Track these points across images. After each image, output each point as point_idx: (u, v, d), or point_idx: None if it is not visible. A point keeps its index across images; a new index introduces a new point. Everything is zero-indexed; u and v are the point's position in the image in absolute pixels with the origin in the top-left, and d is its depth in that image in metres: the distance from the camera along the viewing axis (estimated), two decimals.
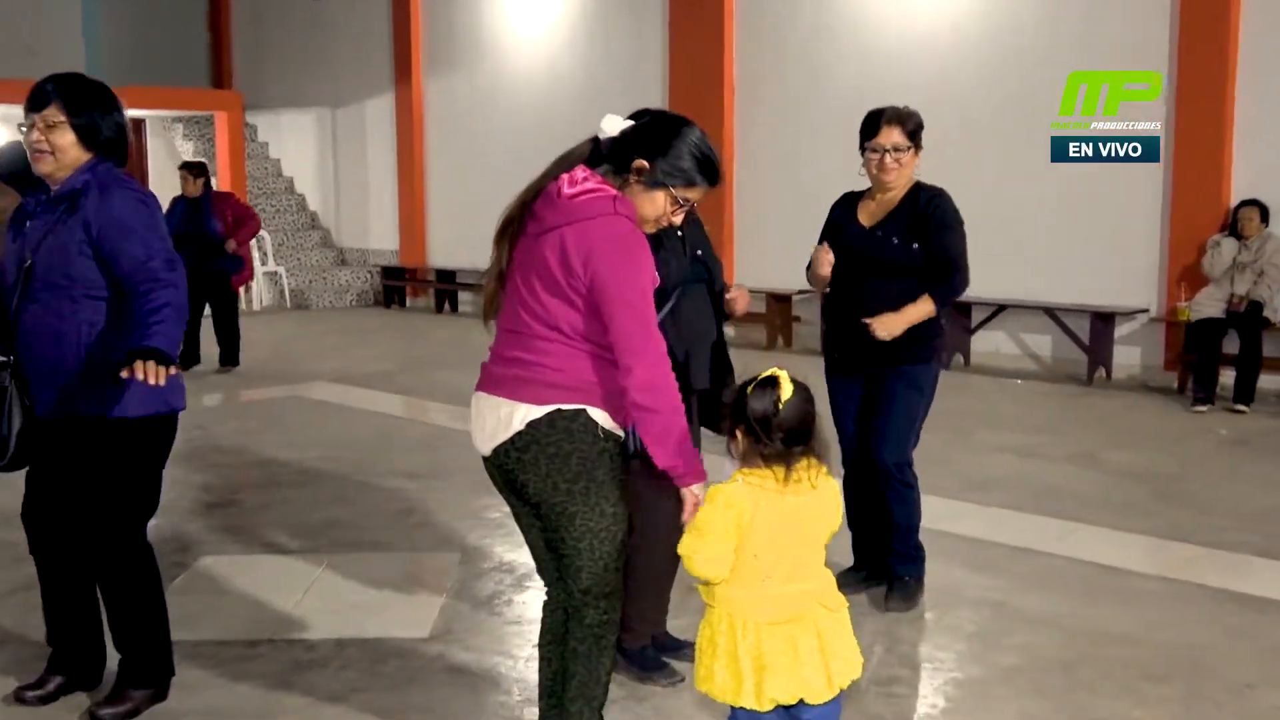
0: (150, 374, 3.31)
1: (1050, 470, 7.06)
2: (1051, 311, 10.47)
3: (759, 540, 2.77)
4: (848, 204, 4.96)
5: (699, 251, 4.25)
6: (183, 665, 4.13)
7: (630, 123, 3.12)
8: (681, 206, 3.11)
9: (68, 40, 20.22)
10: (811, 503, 2.82)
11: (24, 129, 3.67)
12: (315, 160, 17.85)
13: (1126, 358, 10.36)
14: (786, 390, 2.77)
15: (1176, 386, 9.59)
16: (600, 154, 3.12)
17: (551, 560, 3.24)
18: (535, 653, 4.15)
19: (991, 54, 10.81)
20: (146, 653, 3.88)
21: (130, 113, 16.20)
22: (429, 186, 16.25)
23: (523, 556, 5.32)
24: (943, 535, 5.68)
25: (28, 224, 3.71)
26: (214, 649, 4.33)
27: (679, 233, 4.00)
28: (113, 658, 3.91)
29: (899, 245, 4.67)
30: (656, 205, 3.08)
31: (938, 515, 5.96)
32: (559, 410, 3.01)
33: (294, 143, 18.01)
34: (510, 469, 3.10)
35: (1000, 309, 10.78)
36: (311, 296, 16.66)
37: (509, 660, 4.34)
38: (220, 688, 4.08)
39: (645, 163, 3.04)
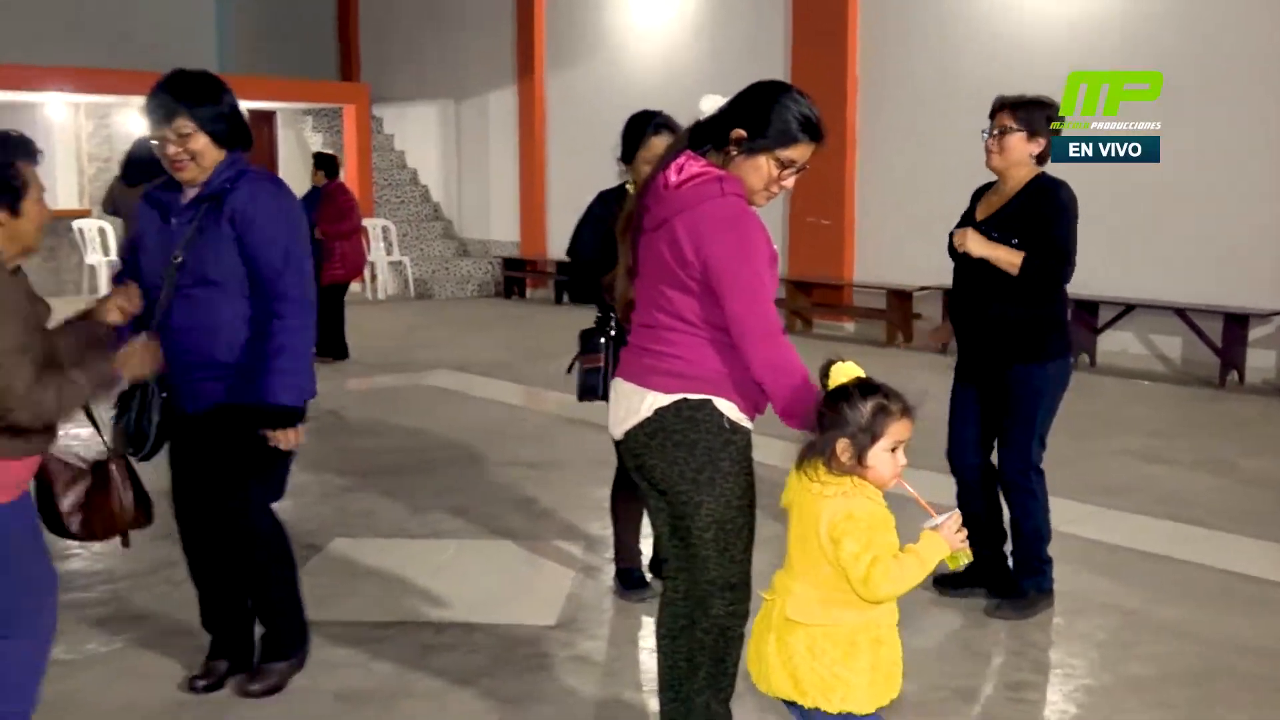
0: (283, 441, 3.64)
1: (1180, 476, 6.87)
2: (1182, 312, 10.19)
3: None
4: (976, 196, 4.89)
5: None
6: (318, 645, 4.22)
7: (721, 100, 3.12)
8: (787, 169, 3.06)
9: (200, 32, 20.76)
10: None
11: (156, 143, 3.66)
12: (439, 152, 18.07)
13: (1261, 360, 10.04)
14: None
15: None
16: (702, 135, 3.10)
17: (677, 549, 3.24)
18: (653, 638, 4.20)
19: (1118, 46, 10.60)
20: (283, 626, 3.98)
21: (260, 104, 16.79)
22: (549, 179, 16.36)
23: (643, 548, 5.37)
24: (1070, 539, 5.57)
25: (172, 221, 3.72)
26: (347, 630, 4.40)
27: None
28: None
29: (998, 239, 4.53)
30: (761, 173, 3.05)
31: (1065, 519, 5.85)
32: (685, 399, 3.03)
33: (418, 135, 18.24)
34: (639, 454, 3.13)
35: (1129, 308, 10.52)
36: (434, 286, 16.88)
37: (633, 650, 4.37)
38: (355, 667, 4.16)
39: (742, 131, 3.03)
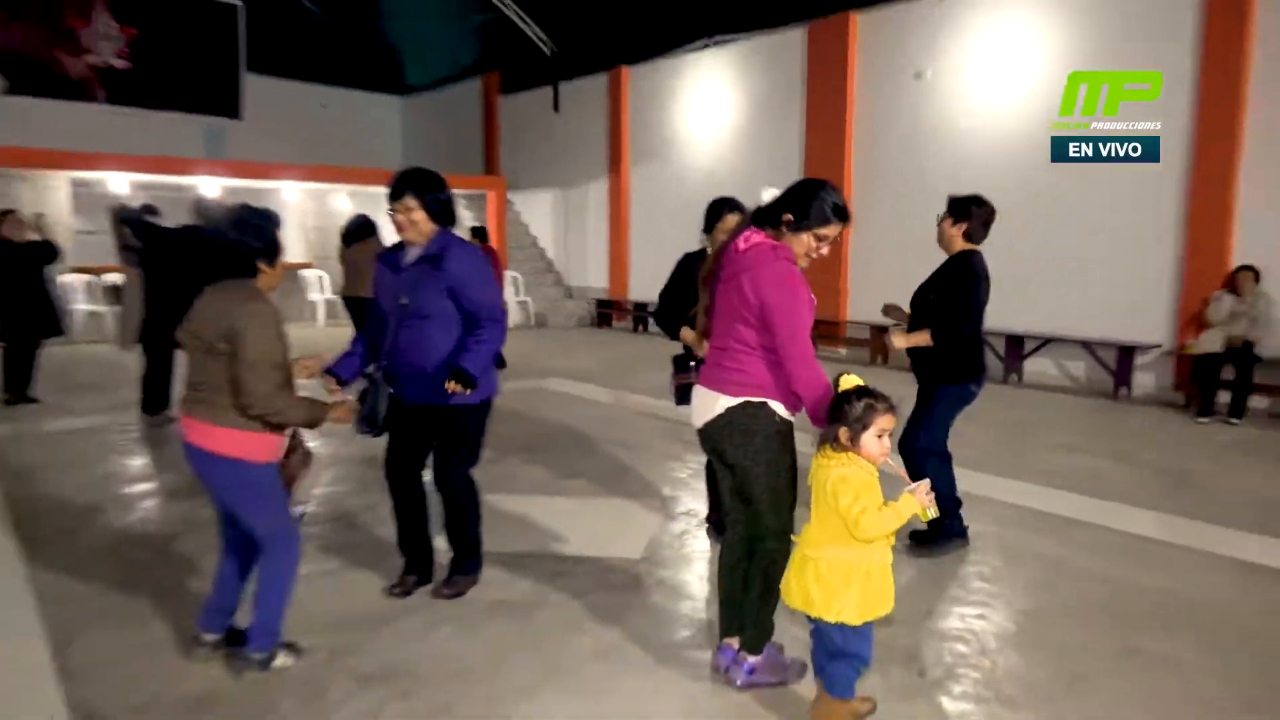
0: (453, 389, 3.63)
1: (1092, 463, 6.75)
2: (1087, 344, 10.02)
3: None
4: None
5: None
6: (491, 568, 4.27)
7: (777, 191, 3.20)
8: (822, 241, 3.12)
9: (388, 138, 21.11)
10: None
11: (391, 212, 3.76)
12: (552, 225, 18.19)
13: (1144, 380, 9.84)
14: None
15: (1184, 403, 9.07)
16: (763, 216, 3.16)
17: (739, 508, 3.27)
18: (712, 572, 4.22)
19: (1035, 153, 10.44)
20: (470, 552, 4.05)
21: None
22: (630, 243, 16.42)
23: (702, 506, 5.38)
24: (1010, 507, 5.51)
25: (401, 273, 3.78)
26: (497, 557, 4.44)
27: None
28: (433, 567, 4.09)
29: (920, 295, 4.60)
30: (804, 244, 3.11)
31: (1007, 493, 5.81)
32: (748, 401, 3.09)
33: (538, 213, 18.35)
34: (715, 439, 3.18)
35: (1046, 341, 10.37)
36: (548, 319, 16.96)
37: (694, 577, 4.37)
38: (505, 583, 4.20)
39: (790, 215, 3.10)
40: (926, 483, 2.84)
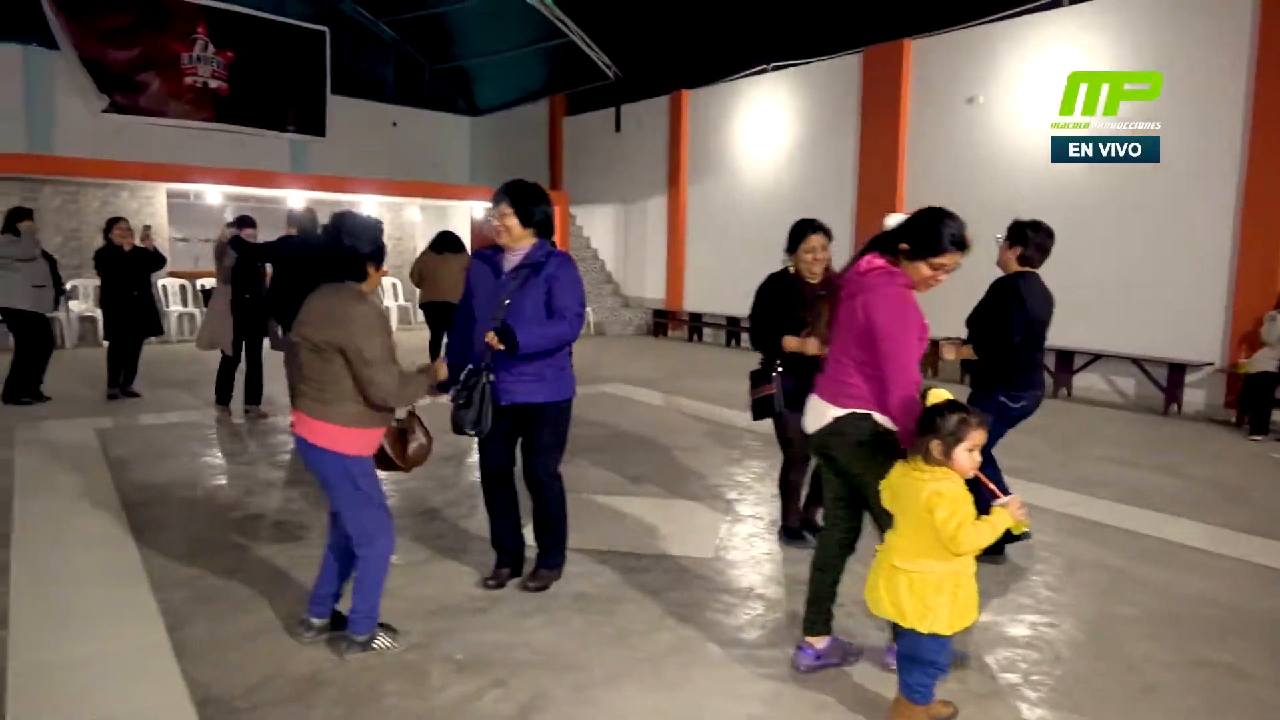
0: (490, 340, 3.61)
1: (1143, 476, 6.57)
2: (1138, 360, 9.78)
3: None
4: None
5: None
6: (570, 563, 4.28)
7: (903, 218, 3.16)
8: (939, 270, 3.07)
9: (458, 155, 21.36)
10: None
11: (489, 217, 3.84)
12: (612, 238, 18.25)
13: (1194, 397, 9.57)
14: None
15: (1235, 421, 8.80)
16: (884, 241, 3.15)
17: (842, 513, 3.29)
18: (777, 571, 4.20)
19: (1086, 173, 10.22)
20: (556, 547, 4.05)
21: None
22: (687, 256, 16.40)
23: (766, 509, 5.34)
24: (1065, 517, 5.39)
25: (501, 277, 3.81)
26: (576, 554, 4.44)
27: (820, 292, 4.10)
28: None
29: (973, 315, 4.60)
30: (920, 272, 3.07)
31: (1061, 504, 5.68)
32: (854, 412, 3.10)
33: (600, 227, 18.44)
34: (825, 444, 3.20)
35: (1096, 357, 10.14)
36: (607, 327, 16.99)
37: (765, 578, 4.33)
38: (587, 578, 4.21)
39: (906, 245, 3.07)
40: (1019, 497, 2.78)
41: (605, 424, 8.01)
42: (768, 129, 14.60)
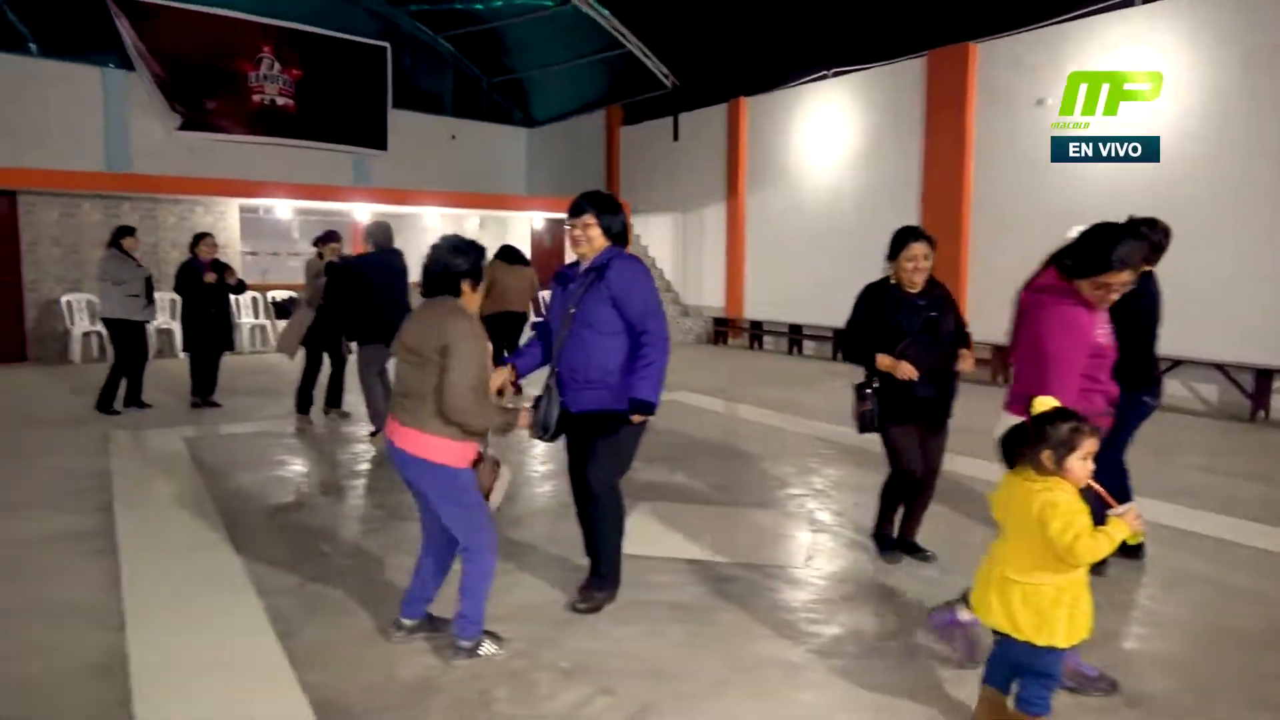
0: (638, 420, 3.69)
1: (1233, 484, 6.39)
2: (1221, 366, 9.51)
3: None
4: None
5: (933, 314, 4.27)
6: (648, 570, 4.30)
7: (1081, 230, 3.19)
8: (1104, 289, 3.09)
9: (513, 167, 21.57)
10: None
11: (568, 227, 3.84)
12: (671, 247, 18.24)
13: None
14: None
15: None
16: (1059, 256, 3.21)
17: None
18: (870, 581, 4.18)
19: (1163, 176, 9.98)
20: (606, 565, 3.96)
21: (554, 215, 17.26)
22: (746, 264, 16.35)
23: (850, 518, 5.28)
24: (1161, 528, 5.26)
25: (569, 285, 3.85)
26: (670, 563, 4.46)
27: (920, 301, 4.22)
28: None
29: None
30: (1086, 289, 3.12)
31: (1159, 512, 5.55)
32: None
33: (658, 236, 18.44)
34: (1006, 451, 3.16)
35: (1177, 363, 9.88)
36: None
37: (855, 586, 4.29)
38: (680, 588, 4.21)
39: (1068, 261, 3.14)
40: (1134, 505, 2.73)
41: (679, 432, 8.01)
42: (828, 135, 14.51)
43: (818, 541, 4.99)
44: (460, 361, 3.22)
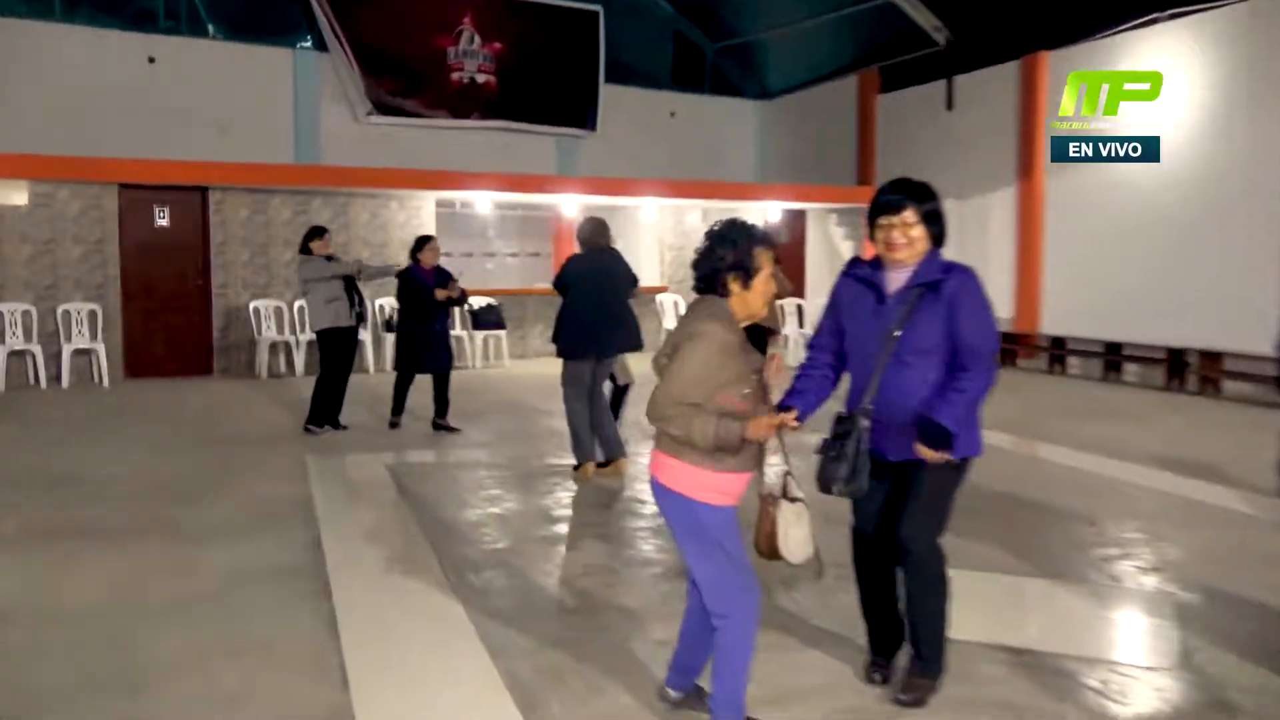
0: (926, 454, 3.51)
1: None
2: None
3: None
4: None
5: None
6: (970, 658, 4.10)
7: None
8: None
9: (743, 151, 21.62)
10: None
11: (879, 228, 3.72)
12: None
13: None
14: None
15: None
16: None
17: None
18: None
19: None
20: (932, 646, 3.79)
21: (793, 205, 17.24)
22: (1044, 264, 15.52)
23: (1224, 601, 4.81)
24: None
25: (886, 302, 3.68)
26: (982, 648, 4.25)
27: None
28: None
29: None
30: None
31: None
32: None
33: None
34: None
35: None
36: None
37: (1249, 693, 3.84)
38: (1003, 683, 3.98)
39: None
40: None
41: (981, 482, 7.60)
42: (1161, 96, 13.50)
43: (1188, 635, 4.55)
44: (676, 367, 3.21)
